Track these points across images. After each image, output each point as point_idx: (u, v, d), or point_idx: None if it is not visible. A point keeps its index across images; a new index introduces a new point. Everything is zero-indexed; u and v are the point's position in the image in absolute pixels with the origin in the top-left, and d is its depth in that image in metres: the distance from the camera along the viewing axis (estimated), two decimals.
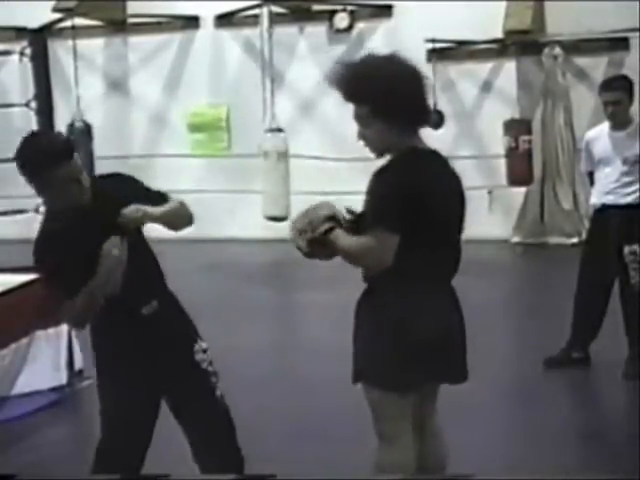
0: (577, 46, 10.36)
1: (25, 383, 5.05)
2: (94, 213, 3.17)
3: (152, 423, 3.36)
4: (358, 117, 3.10)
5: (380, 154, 3.14)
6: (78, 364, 5.36)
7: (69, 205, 3.15)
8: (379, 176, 3.06)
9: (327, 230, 3.13)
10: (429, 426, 3.30)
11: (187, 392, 3.37)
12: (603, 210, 5.57)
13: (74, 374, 5.37)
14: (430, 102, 3.15)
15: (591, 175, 5.71)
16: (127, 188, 3.30)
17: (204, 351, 3.43)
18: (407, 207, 2.97)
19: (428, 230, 3.04)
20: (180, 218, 3.42)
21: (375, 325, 3.14)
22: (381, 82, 3.04)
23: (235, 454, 3.48)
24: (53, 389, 5.20)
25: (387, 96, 3.02)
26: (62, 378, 5.23)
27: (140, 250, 3.32)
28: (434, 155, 3.16)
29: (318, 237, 3.14)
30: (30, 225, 8.22)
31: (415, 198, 2.98)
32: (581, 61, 10.52)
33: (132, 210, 3.15)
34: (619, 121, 5.46)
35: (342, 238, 3.11)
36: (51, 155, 3.08)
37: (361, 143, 3.15)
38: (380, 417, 3.18)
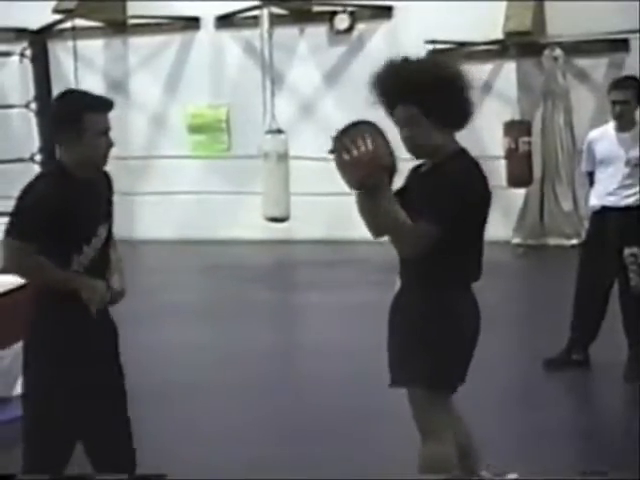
0: (577, 47, 10.36)
1: None
2: (101, 188, 3.31)
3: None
4: (404, 118, 3.10)
5: (424, 156, 3.17)
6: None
7: (93, 158, 3.22)
8: (439, 175, 3.09)
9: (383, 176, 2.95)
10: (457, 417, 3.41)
11: (113, 392, 3.37)
12: (602, 212, 5.57)
13: None
14: (472, 103, 3.18)
15: (591, 175, 5.71)
16: (111, 190, 3.42)
17: None
18: (462, 212, 3.01)
19: (474, 232, 3.13)
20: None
21: (426, 325, 3.13)
22: (431, 83, 3.07)
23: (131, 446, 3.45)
24: None
25: (437, 97, 3.04)
26: None
27: (105, 251, 3.33)
28: (474, 159, 3.22)
29: (375, 177, 2.93)
30: None
31: (469, 204, 3.04)
32: (581, 62, 10.53)
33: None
34: (625, 121, 5.45)
35: (396, 205, 3.00)
36: (93, 103, 3.26)
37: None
38: (429, 416, 3.20)
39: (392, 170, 3.01)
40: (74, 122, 3.19)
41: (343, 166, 2.95)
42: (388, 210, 2.98)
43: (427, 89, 3.06)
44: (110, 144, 3.26)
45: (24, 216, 3.20)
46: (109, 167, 3.34)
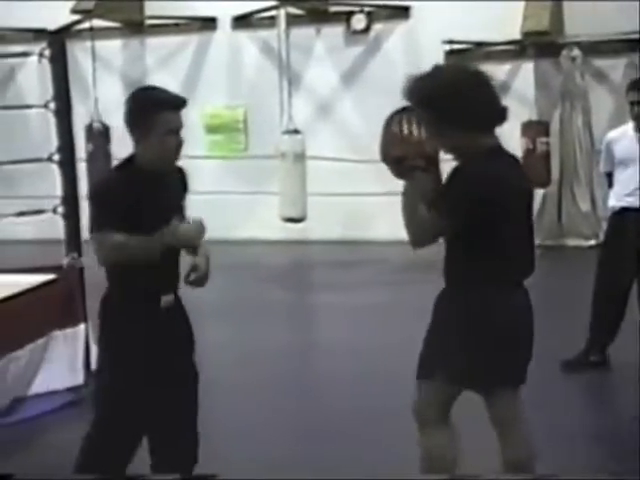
0: (595, 47, 10.31)
1: (42, 383, 5.07)
2: (174, 181, 3.39)
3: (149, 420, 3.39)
4: (429, 124, 3.15)
5: (459, 158, 3.20)
6: (95, 364, 5.37)
7: (163, 156, 3.28)
8: (460, 171, 3.13)
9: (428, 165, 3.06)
10: (505, 427, 3.39)
11: (181, 390, 3.39)
12: (622, 212, 5.54)
13: (91, 374, 5.38)
14: (499, 101, 3.19)
15: (610, 176, 5.68)
16: (185, 185, 3.54)
17: None
18: (486, 206, 3.04)
19: (512, 228, 3.13)
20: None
21: (472, 326, 3.15)
22: (452, 92, 3.10)
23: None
24: (70, 389, 5.21)
25: (459, 105, 3.09)
26: (79, 378, 5.24)
27: None
28: (507, 155, 3.24)
29: (414, 159, 3.05)
30: (48, 226, 8.25)
31: (492, 197, 3.06)
32: (600, 62, 10.47)
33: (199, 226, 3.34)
34: None
35: (418, 197, 3.09)
36: (165, 101, 3.28)
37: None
38: (426, 407, 3.27)
39: (433, 163, 3.10)
40: (145, 120, 3.23)
41: (389, 138, 3.07)
42: (411, 196, 3.07)
43: (445, 96, 3.09)
44: (180, 142, 3.31)
45: (100, 209, 3.26)
46: None
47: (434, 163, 3.13)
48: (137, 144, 3.29)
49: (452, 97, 3.09)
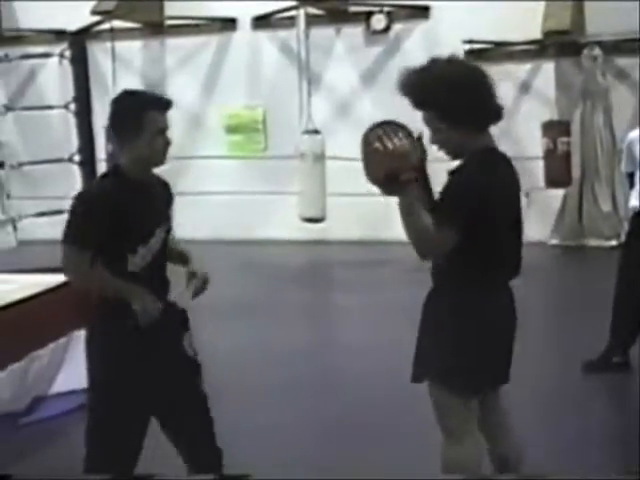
0: (617, 46, 10.25)
1: (62, 383, 5.09)
2: (159, 192, 3.36)
3: (145, 430, 3.38)
4: (427, 122, 3.12)
5: (453, 156, 3.17)
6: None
7: (152, 157, 3.26)
8: (455, 176, 3.09)
9: (414, 177, 2.93)
10: (493, 425, 3.34)
11: (181, 393, 3.40)
12: None
13: None
14: (496, 99, 3.14)
15: (631, 176, 5.64)
16: (170, 197, 3.48)
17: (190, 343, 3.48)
18: (480, 210, 2.99)
19: (498, 231, 3.07)
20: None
21: (448, 326, 3.12)
22: (445, 87, 3.06)
23: (214, 446, 3.50)
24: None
25: (451, 101, 3.04)
26: None
27: (163, 252, 3.35)
28: (501, 155, 3.19)
29: (406, 172, 2.89)
30: None
31: (487, 201, 3.01)
32: (621, 61, 10.41)
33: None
34: None
35: (419, 207, 3.00)
36: (152, 101, 3.26)
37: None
38: (446, 416, 3.20)
39: (420, 171, 3.01)
40: (133, 121, 3.20)
41: (373, 156, 2.97)
42: (410, 211, 2.97)
43: (440, 96, 3.06)
44: (168, 142, 3.28)
45: (78, 220, 3.22)
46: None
47: (423, 170, 3.05)
48: (124, 146, 3.25)
49: (446, 91, 3.04)
